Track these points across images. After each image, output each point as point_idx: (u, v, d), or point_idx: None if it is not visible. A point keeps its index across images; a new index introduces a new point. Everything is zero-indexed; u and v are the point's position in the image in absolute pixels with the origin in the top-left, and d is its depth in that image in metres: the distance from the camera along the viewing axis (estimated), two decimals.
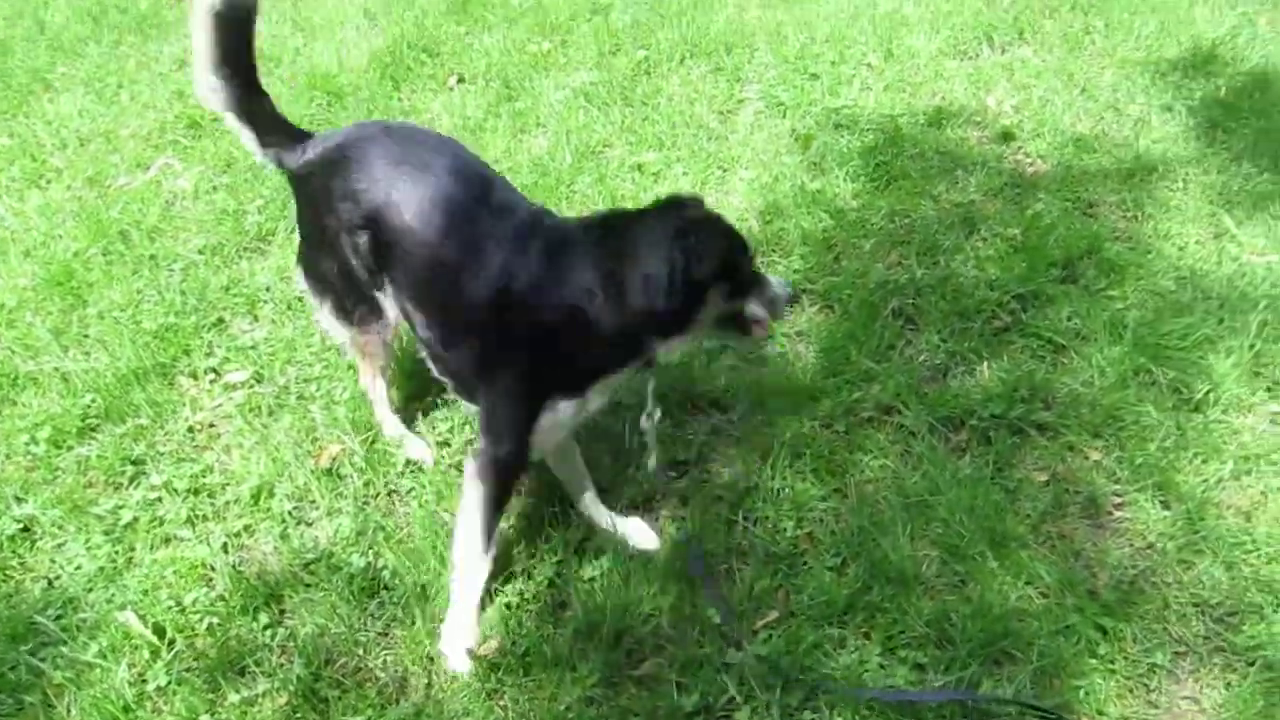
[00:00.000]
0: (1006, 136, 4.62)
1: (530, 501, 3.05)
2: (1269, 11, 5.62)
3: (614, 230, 2.61)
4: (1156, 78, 5.03)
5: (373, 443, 3.27)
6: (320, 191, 2.83)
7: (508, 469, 2.68)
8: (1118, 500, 3.07)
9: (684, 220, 2.56)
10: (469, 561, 2.69)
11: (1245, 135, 4.60)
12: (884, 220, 4.13)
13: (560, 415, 2.64)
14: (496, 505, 2.68)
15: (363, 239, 2.77)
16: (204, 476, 3.21)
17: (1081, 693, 2.57)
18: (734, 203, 4.24)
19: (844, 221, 4.13)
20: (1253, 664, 2.62)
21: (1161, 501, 3.04)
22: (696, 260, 2.48)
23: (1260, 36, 5.37)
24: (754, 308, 2.68)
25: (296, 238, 3.12)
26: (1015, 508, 3.01)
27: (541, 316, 2.56)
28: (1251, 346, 3.46)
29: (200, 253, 4.15)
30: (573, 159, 4.50)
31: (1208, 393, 3.33)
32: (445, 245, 2.66)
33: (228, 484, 3.18)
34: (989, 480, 3.08)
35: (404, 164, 2.75)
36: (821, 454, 3.17)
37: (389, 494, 3.15)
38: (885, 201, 4.23)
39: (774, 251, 4.00)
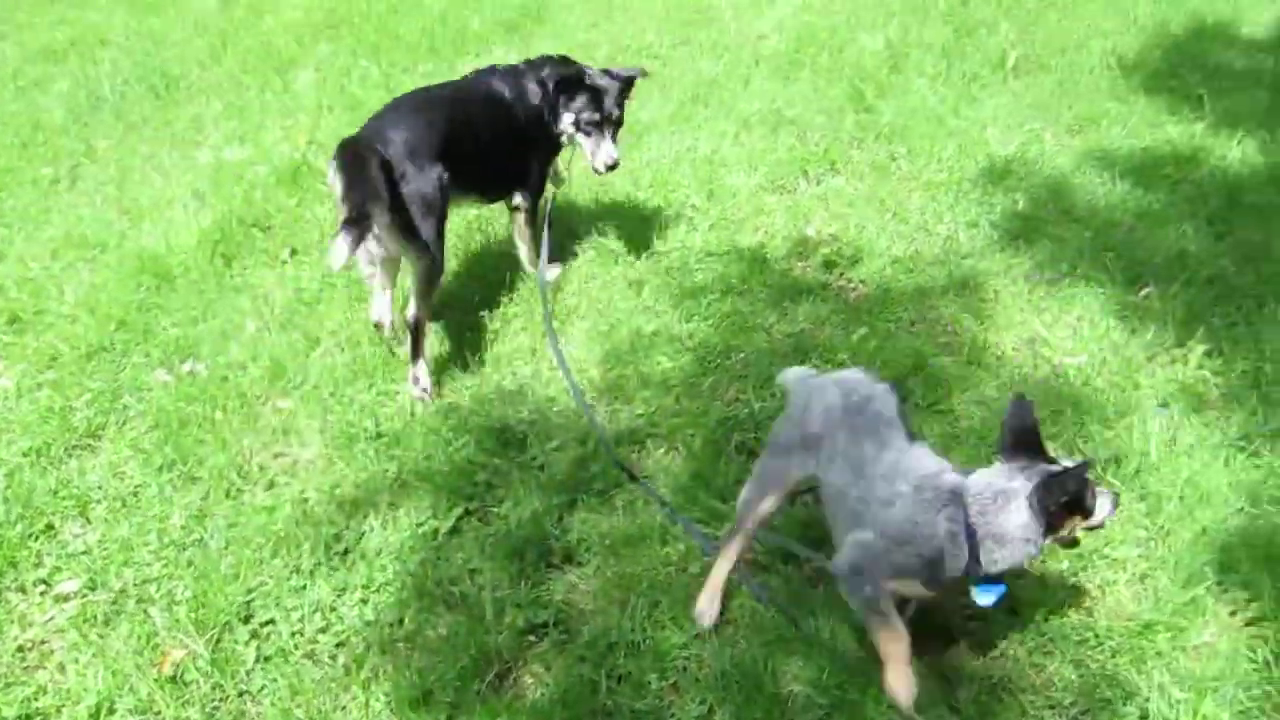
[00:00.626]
0: (829, 265, 4.84)
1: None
2: (1052, 127, 6.09)
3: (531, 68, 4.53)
4: (960, 196, 5.37)
5: (218, 642, 3.14)
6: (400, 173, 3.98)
7: (537, 208, 4.75)
8: (968, 612, 3.16)
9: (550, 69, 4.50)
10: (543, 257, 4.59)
11: (1045, 244, 4.94)
12: (719, 357, 4.26)
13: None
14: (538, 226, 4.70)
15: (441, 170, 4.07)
16: (36, 699, 3.02)
17: None
18: (573, 352, 4.31)
19: (681, 362, 4.24)
20: None
21: (1009, 608, 3.14)
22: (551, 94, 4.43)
23: (1048, 151, 5.81)
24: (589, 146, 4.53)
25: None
26: None
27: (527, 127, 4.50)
28: (1069, 443, 3.65)
29: (25, 455, 3.97)
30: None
31: None
32: (482, 116, 4.39)
33: (63, 705, 3.00)
34: (844, 607, 3.13)
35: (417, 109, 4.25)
36: (679, 599, 3.18)
37: (240, 695, 3.02)
38: (719, 338, 4.36)
39: (615, 399, 4.07)
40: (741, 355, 4.25)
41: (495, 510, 3.59)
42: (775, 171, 5.64)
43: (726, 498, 3.53)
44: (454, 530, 3.51)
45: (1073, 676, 2.96)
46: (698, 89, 6.64)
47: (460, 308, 4.64)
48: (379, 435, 3.94)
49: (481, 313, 4.58)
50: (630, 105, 4.64)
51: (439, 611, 3.22)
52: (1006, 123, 6.10)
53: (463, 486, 3.67)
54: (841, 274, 4.81)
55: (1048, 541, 2.67)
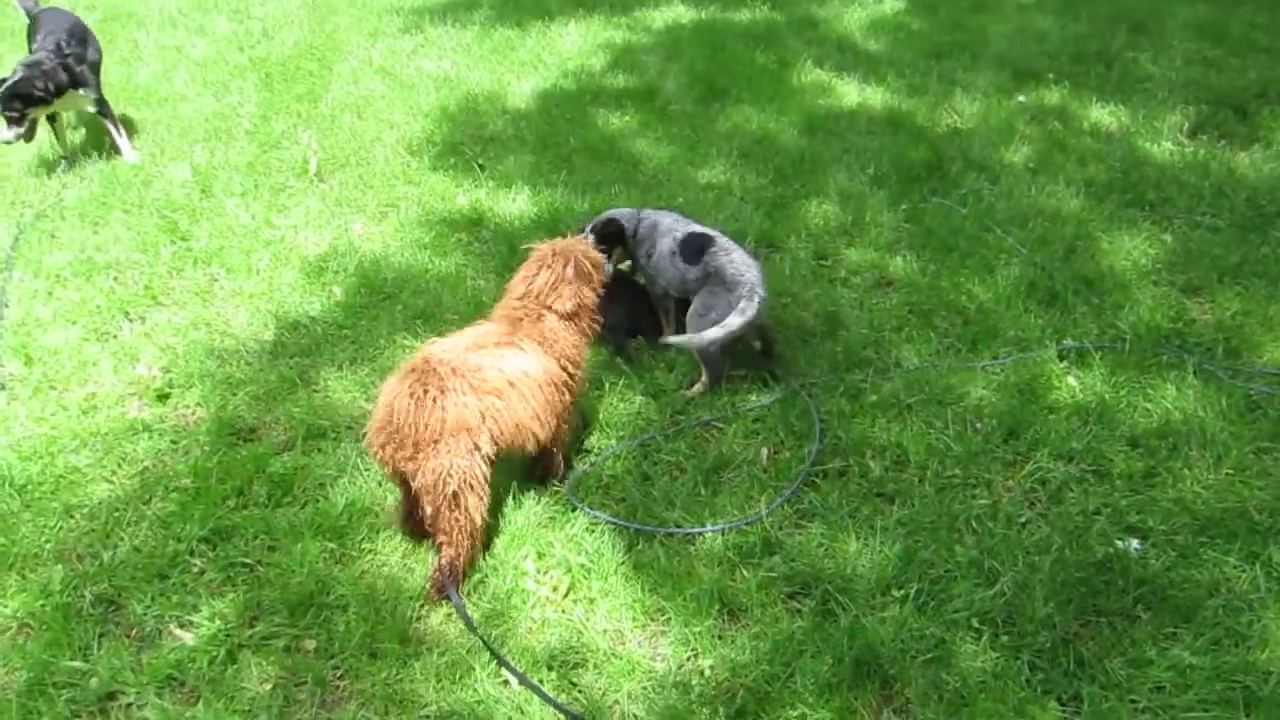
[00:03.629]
0: (161, 397, 4.94)
1: None
2: (360, 218, 6.67)
3: None
4: (279, 302, 5.71)
5: None
6: None
7: None
8: None
9: None
10: None
11: (365, 325, 5.44)
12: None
13: None
14: None
15: None
16: None
17: None
18: None
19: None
20: None
21: None
22: None
23: (356, 241, 6.35)
24: None
25: None
26: None
27: None
28: None
29: None
30: None
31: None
32: None
33: None
34: None
35: None
36: None
37: None
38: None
39: None
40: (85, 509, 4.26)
41: None
42: (95, 320, 5.60)
43: None
44: None
45: None
46: None
47: None
48: None
49: None
50: None
51: None
52: (316, 223, 6.58)
53: None
54: (176, 404, 4.93)
55: None
